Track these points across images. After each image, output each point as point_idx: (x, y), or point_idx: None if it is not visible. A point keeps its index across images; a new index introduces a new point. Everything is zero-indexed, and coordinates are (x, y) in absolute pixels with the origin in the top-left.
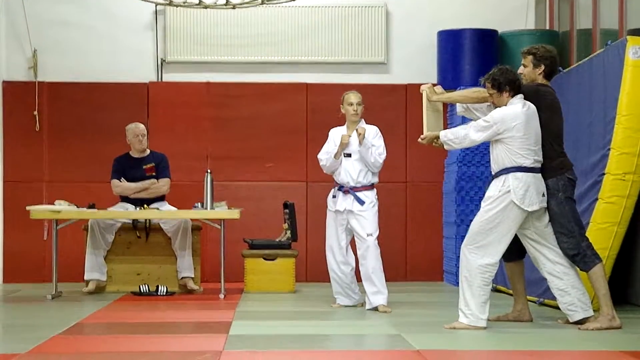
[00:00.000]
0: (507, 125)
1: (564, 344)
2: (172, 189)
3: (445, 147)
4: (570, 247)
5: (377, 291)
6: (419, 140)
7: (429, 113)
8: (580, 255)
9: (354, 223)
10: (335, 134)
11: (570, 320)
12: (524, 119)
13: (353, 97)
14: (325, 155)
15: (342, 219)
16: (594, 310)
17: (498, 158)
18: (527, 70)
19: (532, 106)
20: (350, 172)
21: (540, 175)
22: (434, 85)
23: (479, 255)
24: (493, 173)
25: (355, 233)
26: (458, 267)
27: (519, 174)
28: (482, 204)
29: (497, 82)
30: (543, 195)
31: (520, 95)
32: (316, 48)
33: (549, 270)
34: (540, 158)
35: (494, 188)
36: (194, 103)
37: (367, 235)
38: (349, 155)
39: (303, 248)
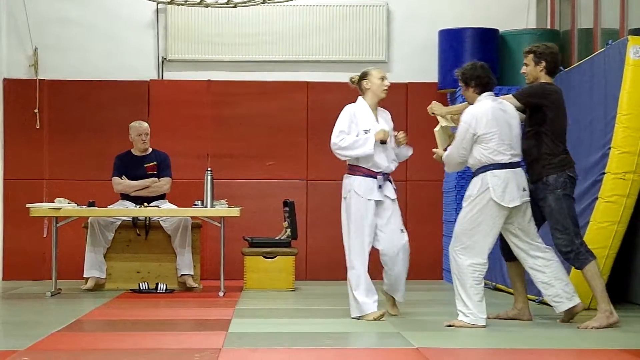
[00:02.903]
0: (479, 123)
1: (563, 342)
2: (173, 187)
3: (446, 168)
4: (564, 243)
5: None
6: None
7: (440, 132)
8: (573, 252)
9: (394, 213)
10: (356, 113)
11: (557, 311)
12: (494, 113)
13: (380, 72)
14: (343, 138)
15: (375, 210)
16: (590, 308)
17: (475, 158)
18: (529, 69)
19: (506, 103)
20: (389, 157)
21: (520, 170)
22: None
23: (466, 256)
24: (473, 171)
25: (390, 224)
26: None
27: (497, 172)
28: (463, 203)
29: (464, 76)
30: (524, 190)
31: (490, 93)
32: (317, 47)
33: (530, 265)
34: (519, 152)
35: (473, 187)
36: (195, 101)
37: (402, 230)
38: (384, 141)
39: (303, 246)
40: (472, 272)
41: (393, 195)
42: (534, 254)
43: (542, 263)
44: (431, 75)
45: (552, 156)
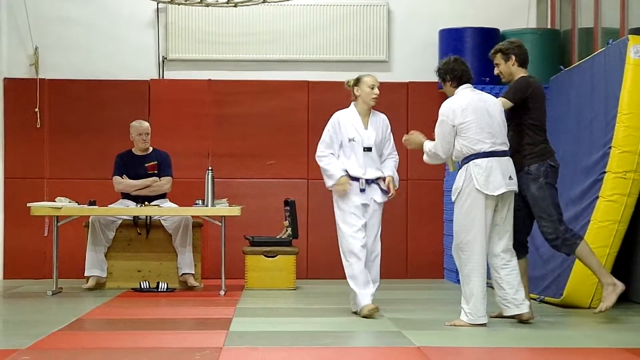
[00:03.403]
0: (456, 113)
1: (565, 341)
2: (174, 186)
3: (429, 160)
4: (549, 231)
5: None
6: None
7: None
8: (560, 239)
9: (374, 219)
10: (341, 121)
11: (504, 314)
12: (470, 103)
13: (372, 80)
14: (326, 157)
15: (362, 213)
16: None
17: (457, 149)
18: (502, 67)
19: (485, 93)
20: (373, 165)
21: (507, 158)
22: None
23: (467, 253)
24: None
25: (369, 231)
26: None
27: (479, 160)
28: (452, 197)
29: (440, 72)
30: (510, 178)
31: (467, 85)
32: (318, 46)
33: (491, 260)
34: (503, 140)
35: (458, 179)
36: (196, 101)
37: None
38: (370, 149)
39: (304, 245)
40: (475, 268)
41: (380, 199)
42: (498, 252)
43: (501, 263)
44: (432, 74)
45: (533, 146)
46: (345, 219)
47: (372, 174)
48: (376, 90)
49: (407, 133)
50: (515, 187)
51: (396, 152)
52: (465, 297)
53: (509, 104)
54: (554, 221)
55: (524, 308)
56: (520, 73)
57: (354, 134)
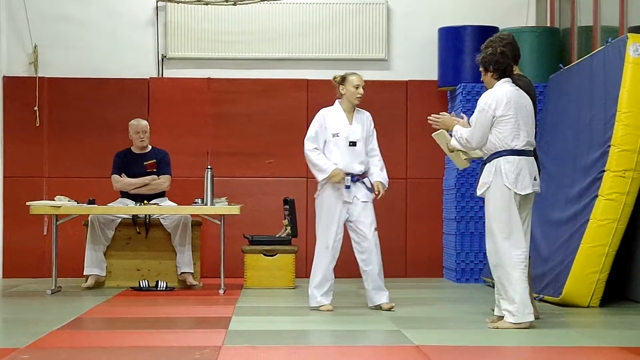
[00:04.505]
0: (499, 104)
1: (565, 340)
2: (173, 185)
3: (458, 146)
4: None
5: (383, 288)
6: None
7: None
8: None
9: (362, 215)
10: (326, 117)
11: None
12: (513, 97)
13: (358, 79)
14: (315, 151)
15: (345, 211)
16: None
17: (491, 141)
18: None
19: (521, 91)
20: (357, 159)
21: (532, 158)
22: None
23: (508, 249)
24: (484, 159)
25: (359, 226)
26: (458, 264)
27: (511, 157)
28: (477, 192)
29: (484, 61)
30: (535, 179)
31: (508, 79)
32: (317, 45)
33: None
34: (533, 140)
35: (487, 174)
36: (195, 99)
37: (375, 229)
38: (354, 144)
39: (303, 244)
40: (517, 263)
41: (364, 198)
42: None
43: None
44: (431, 73)
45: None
46: (323, 232)
47: (356, 168)
48: (361, 90)
49: (406, 131)
50: (538, 189)
51: (379, 151)
52: (507, 298)
53: None
54: None
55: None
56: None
57: (338, 130)
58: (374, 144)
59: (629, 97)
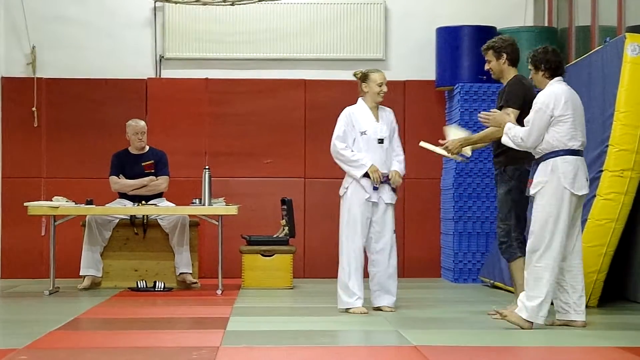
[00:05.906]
0: (558, 103)
1: (563, 340)
2: (170, 185)
3: (510, 144)
4: (502, 234)
5: (391, 292)
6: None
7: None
8: (506, 244)
9: (385, 216)
10: (353, 115)
11: (559, 318)
12: (571, 96)
13: (380, 77)
14: (347, 149)
15: (369, 210)
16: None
17: (547, 141)
18: (493, 64)
19: (573, 91)
20: (384, 159)
21: (583, 159)
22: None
23: (544, 250)
24: (537, 157)
25: (378, 227)
26: (455, 264)
27: (568, 157)
28: (531, 191)
29: (535, 59)
30: (587, 180)
31: (560, 78)
32: (315, 45)
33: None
34: (585, 141)
35: (542, 173)
36: (193, 99)
37: (393, 231)
38: (382, 141)
39: (301, 244)
40: (549, 265)
41: (389, 200)
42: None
43: (566, 265)
44: (429, 73)
45: (516, 150)
46: (349, 233)
47: (384, 167)
48: (385, 88)
49: (404, 131)
50: (589, 190)
51: (402, 149)
52: (528, 294)
53: (517, 112)
54: (509, 225)
55: (582, 316)
56: (511, 72)
57: (366, 127)
58: (398, 140)
59: (627, 97)
